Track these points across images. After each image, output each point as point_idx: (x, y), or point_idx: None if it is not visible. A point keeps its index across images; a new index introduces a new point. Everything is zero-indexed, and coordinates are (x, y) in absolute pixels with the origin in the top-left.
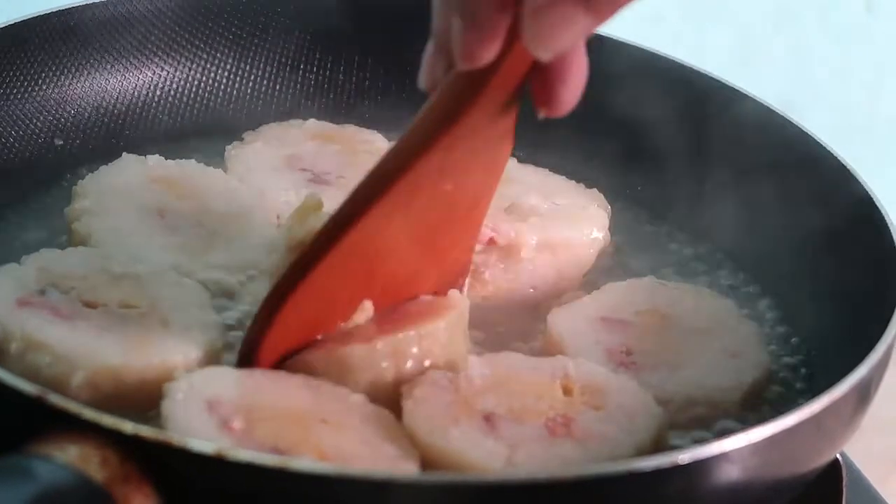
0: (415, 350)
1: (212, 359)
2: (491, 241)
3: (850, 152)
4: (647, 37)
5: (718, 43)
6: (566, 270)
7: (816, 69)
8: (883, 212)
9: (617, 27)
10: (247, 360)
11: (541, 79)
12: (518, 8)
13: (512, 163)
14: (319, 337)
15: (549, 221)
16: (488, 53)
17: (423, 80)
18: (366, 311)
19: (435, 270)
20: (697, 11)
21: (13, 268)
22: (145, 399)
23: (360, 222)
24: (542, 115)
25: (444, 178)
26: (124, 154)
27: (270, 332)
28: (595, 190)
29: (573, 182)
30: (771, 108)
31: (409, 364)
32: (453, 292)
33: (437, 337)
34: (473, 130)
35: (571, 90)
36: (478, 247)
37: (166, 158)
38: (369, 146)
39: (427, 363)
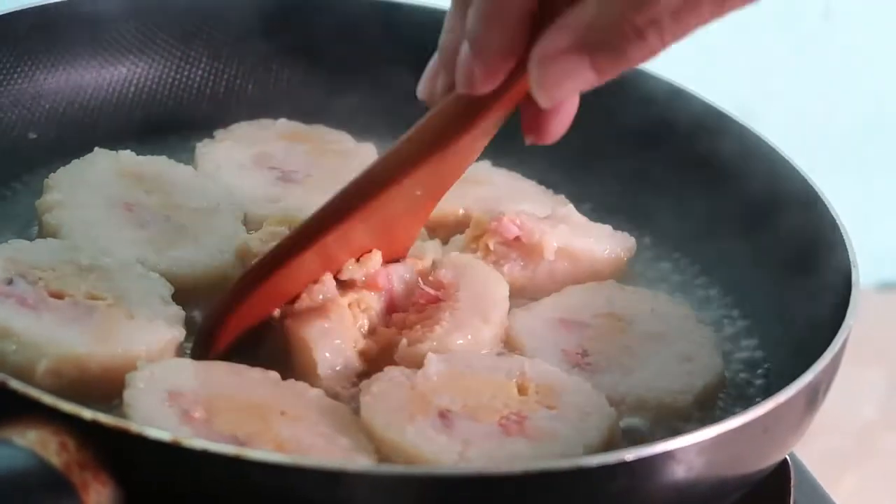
0: None
1: (174, 351)
2: (516, 239)
3: (806, 159)
4: None
5: (675, 50)
6: (580, 281)
7: (773, 75)
8: (837, 221)
9: None
10: (206, 342)
11: (532, 110)
12: (527, 53)
13: (485, 165)
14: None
15: (577, 232)
16: (489, 86)
17: (421, 91)
18: (327, 285)
19: (385, 248)
20: None
21: None
22: (109, 389)
23: (339, 226)
24: (528, 141)
25: (421, 186)
26: (96, 148)
27: (233, 317)
28: (562, 196)
29: (541, 187)
30: (729, 115)
31: None
32: None
33: None
34: (461, 149)
35: (560, 123)
36: (498, 241)
37: (138, 154)
38: (337, 146)
39: None
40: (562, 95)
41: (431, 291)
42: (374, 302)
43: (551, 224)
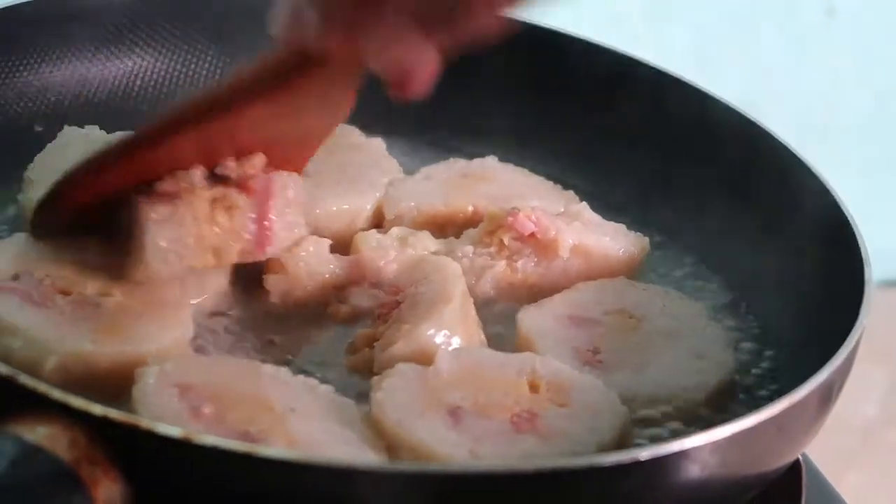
0: None
1: (184, 349)
2: (531, 235)
3: (808, 155)
4: (607, 37)
5: (678, 43)
6: (593, 279)
7: (776, 71)
8: (849, 218)
9: (577, 27)
10: (49, 207)
11: None
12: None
13: (491, 161)
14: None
15: (591, 230)
16: (324, 43)
17: (273, 28)
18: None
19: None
20: (657, 12)
21: None
22: (116, 386)
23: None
24: (392, 97)
25: (273, 120)
26: (65, 127)
27: (85, 187)
28: (571, 192)
29: (550, 183)
30: (740, 111)
31: None
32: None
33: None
34: (302, 93)
35: (421, 81)
36: (513, 236)
37: None
38: (346, 140)
39: None
40: (391, 61)
41: (390, 298)
42: (241, 202)
43: (566, 221)
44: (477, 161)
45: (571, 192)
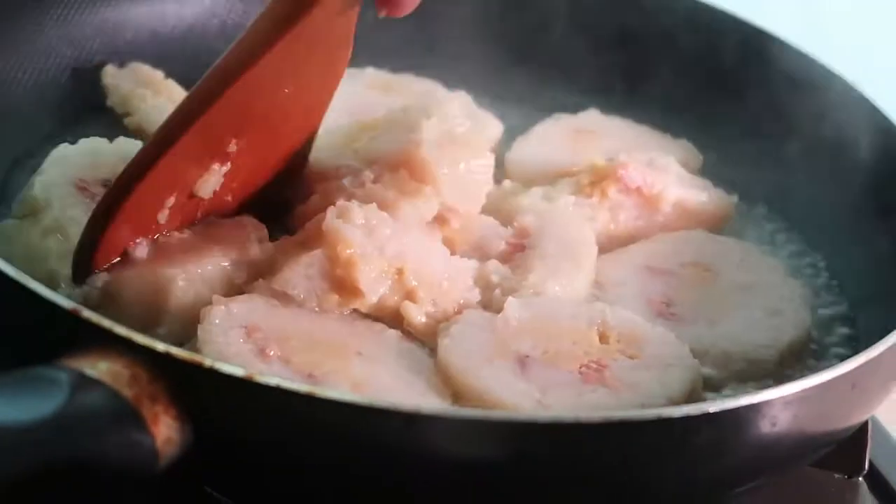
0: None
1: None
2: (637, 189)
3: None
4: None
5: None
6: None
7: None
8: None
9: None
10: (84, 263)
11: None
12: None
13: (595, 114)
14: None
15: (686, 184)
16: None
17: None
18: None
19: (278, 159)
20: None
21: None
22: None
23: (199, 120)
24: (381, 14)
25: (284, 79)
26: None
27: (111, 228)
28: (684, 140)
29: (659, 133)
30: (838, 74)
31: None
32: None
33: None
34: (312, 32)
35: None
36: (619, 189)
37: None
38: (433, 97)
39: None
40: None
41: (517, 241)
42: None
43: (661, 172)
44: (582, 116)
45: (685, 141)
